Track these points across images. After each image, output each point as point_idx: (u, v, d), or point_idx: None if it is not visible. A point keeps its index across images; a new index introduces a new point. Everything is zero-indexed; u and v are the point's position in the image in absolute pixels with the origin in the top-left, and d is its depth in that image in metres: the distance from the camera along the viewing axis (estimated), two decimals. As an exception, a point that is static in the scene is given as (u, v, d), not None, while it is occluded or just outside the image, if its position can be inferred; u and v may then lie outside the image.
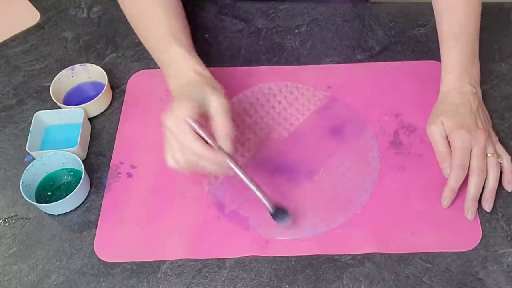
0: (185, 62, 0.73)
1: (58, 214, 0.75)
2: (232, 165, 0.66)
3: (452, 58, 0.77)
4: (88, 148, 0.81)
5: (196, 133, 0.65)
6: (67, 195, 0.72)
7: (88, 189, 0.76)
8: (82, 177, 0.73)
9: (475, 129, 0.73)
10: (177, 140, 0.66)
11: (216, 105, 0.67)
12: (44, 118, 0.81)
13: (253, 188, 0.67)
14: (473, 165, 0.72)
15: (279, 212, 0.69)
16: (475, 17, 0.78)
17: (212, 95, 0.67)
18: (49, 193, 0.76)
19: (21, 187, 0.73)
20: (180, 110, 0.65)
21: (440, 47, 0.79)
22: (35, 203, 0.72)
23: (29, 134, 0.78)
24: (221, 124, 0.66)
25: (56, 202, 0.72)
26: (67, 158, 0.76)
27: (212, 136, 0.66)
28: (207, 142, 0.66)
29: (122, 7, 0.83)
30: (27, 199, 0.72)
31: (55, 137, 0.81)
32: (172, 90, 0.73)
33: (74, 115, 0.80)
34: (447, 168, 0.73)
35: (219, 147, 0.65)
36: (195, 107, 0.66)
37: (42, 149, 0.79)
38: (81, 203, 0.75)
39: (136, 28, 0.82)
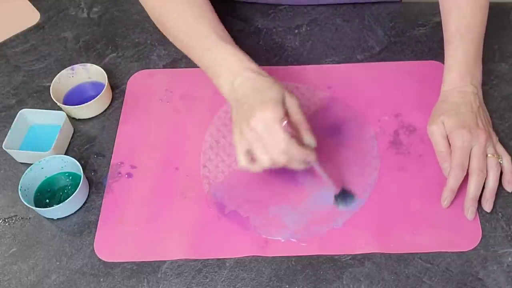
0: (239, 62, 0.71)
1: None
2: (315, 162, 0.71)
3: (457, 58, 0.77)
4: (88, 148, 0.81)
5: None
6: (66, 198, 0.72)
7: (87, 193, 0.76)
8: (81, 181, 0.73)
9: (475, 129, 0.73)
10: (265, 141, 0.66)
11: (293, 103, 0.68)
12: (28, 116, 0.81)
13: (326, 179, 0.73)
14: (473, 165, 0.72)
15: (343, 195, 0.74)
16: (482, 18, 0.78)
17: (288, 93, 0.69)
18: (48, 197, 0.75)
19: (19, 192, 0.73)
20: (270, 111, 0.65)
21: (445, 46, 0.79)
22: (34, 208, 0.72)
23: (9, 131, 0.78)
24: (302, 121, 0.69)
25: (55, 207, 0.72)
26: (65, 162, 0.76)
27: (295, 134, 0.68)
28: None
29: (146, 7, 0.81)
30: (26, 204, 0.72)
31: (38, 136, 0.81)
32: (227, 91, 0.71)
33: (57, 117, 0.80)
34: (447, 168, 0.73)
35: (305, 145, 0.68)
36: (282, 109, 0.66)
37: (22, 147, 0.80)
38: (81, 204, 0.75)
39: (167, 28, 0.79)
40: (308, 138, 0.69)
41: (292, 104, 0.68)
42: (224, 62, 0.72)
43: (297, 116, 0.68)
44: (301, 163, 0.69)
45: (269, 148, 0.66)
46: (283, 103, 0.67)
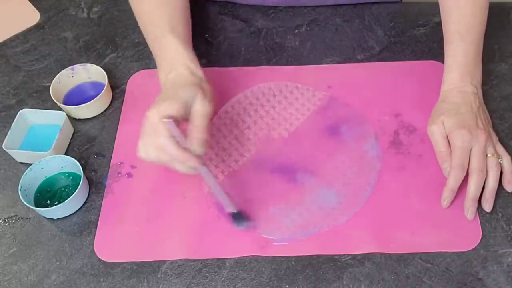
0: (179, 56, 0.73)
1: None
2: (201, 169, 0.68)
3: (456, 58, 0.77)
4: (88, 148, 0.81)
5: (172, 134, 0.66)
6: (66, 199, 0.72)
7: (87, 193, 0.76)
8: (81, 181, 0.73)
9: (475, 129, 0.73)
10: (147, 134, 0.67)
11: (198, 109, 0.68)
12: (28, 116, 0.81)
13: (218, 192, 0.71)
14: (473, 165, 0.72)
15: (238, 217, 0.71)
16: (482, 18, 0.78)
17: (200, 99, 0.68)
18: (48, 197, 0.75)
19: (19, 192, 0.73)
20: (164, 107, 0.66)
21: (445, 46, 0.79)
22: (34, 208, 0.72)
23: (9, 131, 0.78)
24: (195, 127, 0.68)
25: (55, 207, 0.72)
26: (65, 162, 0.76)
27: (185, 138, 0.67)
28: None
29: None
30: (26, 204, 0.72)
31: (38, 136, 0.81)
32: (162, 82, 0.74)
33: (57, 117, 0.80)
34: (447, 168, 0.73)
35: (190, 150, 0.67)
36: (179, 108, 0.67)
37: (22, 147, 0.80)
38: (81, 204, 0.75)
39: (135, 12, 0.82)
40: (194, 144, 0.67)
41: (198, 109, 0.68)
42: (166, 54, 0.74)
43: (196, 122, 0.68)
44: (185, 168, 0.67)
45: (148, 141, 0.67)
46: (188, 104, 0.67)
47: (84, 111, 0.83)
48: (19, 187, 0.73)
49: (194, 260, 0.70)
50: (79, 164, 0.74)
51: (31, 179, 0.75)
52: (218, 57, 0.91)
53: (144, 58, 0.91)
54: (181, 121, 0.68)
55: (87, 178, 0.77)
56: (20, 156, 0.79)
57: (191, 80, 0.71)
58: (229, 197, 0.71)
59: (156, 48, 0.77)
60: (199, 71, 0.73)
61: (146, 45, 0.92)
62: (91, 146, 0.81)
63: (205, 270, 0.70)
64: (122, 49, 0.93)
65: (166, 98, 0.68)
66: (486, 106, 0.79)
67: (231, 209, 0.71)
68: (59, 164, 0.76)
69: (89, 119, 0.84)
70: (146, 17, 0.80)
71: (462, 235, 0.70)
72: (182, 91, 0.69)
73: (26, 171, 0.74)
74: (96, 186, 0.77)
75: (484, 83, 0.79)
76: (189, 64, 0.73)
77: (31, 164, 0.75)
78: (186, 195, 0.76)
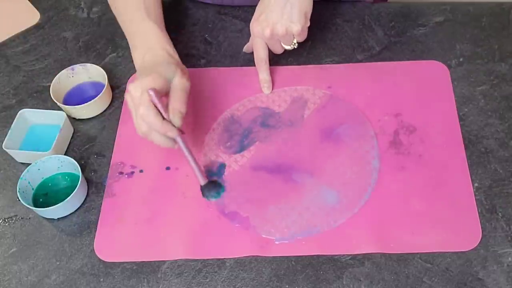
0: (157, 39, 0.76)
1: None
2: (178, 139, 0.71)
3: None
4: (88, 148, 0.81)
5: (154, 105, 0.68)
6: (65, 199, 0.72)
7: (86, 192, 0.76)
8: (80, 181, 0.73)
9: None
10: (132, 105, 0.70)
11: (178, 83, 0.71)
12: (28, 116, 0.81)
13: (191, 161, 0.73)
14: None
15: (209, 187, 0.75)
16: None
17: (179, 75, 0.71)
18: (47, 198, 0.75)
19: (18, 193, 0.72)
20: (146, 81, 0.68)
21: None
22: (33, 208, 0.72)
23: (9, 131, 0.78)
24: (176, 100, 0.70)
25: (54, 206, 0.71)
26: (62, 161, 0.76)
27: (166, 109, 0.69)
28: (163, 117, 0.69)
29: None
30: (25, 205, 0.72)
31: (38, 136, 0.81)
32: (138, 62, 0.76)
33: (57, 117, 0.80)
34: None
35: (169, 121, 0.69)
36: (161, 82, 0.69)
37: (22, 147, 0.80)
38: (81, 204, 0.75)
39: (111, 1, 0.85)
40: (172, 116, 0.69)
41: (178, 83, 0.70)
42: (143, 37, 0.77)
43: (176, 94, 0.70)
44: (163, 139, 0.70)
45: (133, 112, 0.69)
46: (168, 80, 0.70)
47: (84, 111, 0.83)
48: (17, 189, 0.73)
49: (194, 260, 0.70)
50: (76, 164, 0.74)
51: (29, 181, 0.75)
52: (218, 57, 0.91)
53: (144, 58, 0.91)
54: (161, 96, 0.69)
55: (87, 178, 0.77)
56: (20, 156, 0.79)
57: (170, 60, 0.73)
58: (201, 171, 0.74)
59: (133, 30, 0.79)
60: (175, 55, 0.76)
61: (146, 45, 0.93)
62: (91, 146, 0.81)
63: (205, 270, 0.70)
64: (122, 49, 0.93)
65: (148, 74, 0.69)
66: (486, 106, 0.79)
67: (202, 182, 0.74)
68: (56, 164, 0.76)
69: (89, 119, 0.84)
70: (122, 5, 0.82)
71: (462, 235, 0.70)
72: (162, 68, 0.71)
73: (23, 173, 0.74)
74: (96, 186, 0.77)
75: (484, 83, 0.79)
76: (167, 47, 0.75)
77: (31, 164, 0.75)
78: (186, 195, 0.76)
